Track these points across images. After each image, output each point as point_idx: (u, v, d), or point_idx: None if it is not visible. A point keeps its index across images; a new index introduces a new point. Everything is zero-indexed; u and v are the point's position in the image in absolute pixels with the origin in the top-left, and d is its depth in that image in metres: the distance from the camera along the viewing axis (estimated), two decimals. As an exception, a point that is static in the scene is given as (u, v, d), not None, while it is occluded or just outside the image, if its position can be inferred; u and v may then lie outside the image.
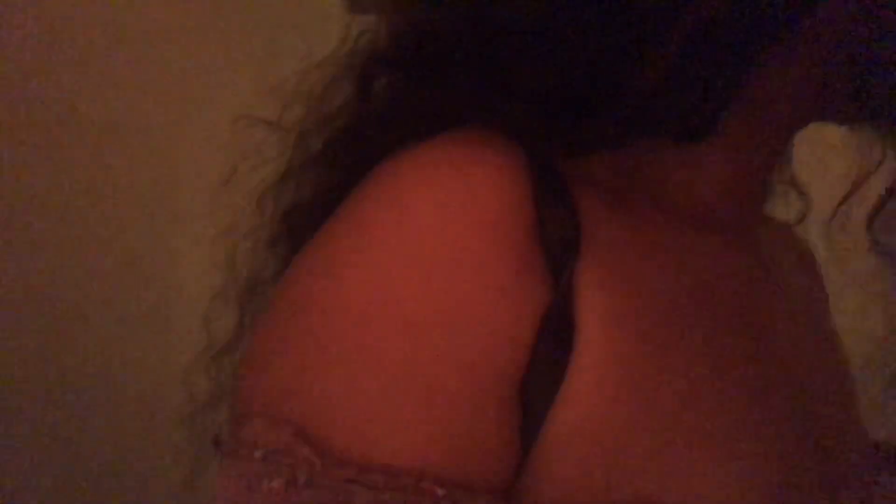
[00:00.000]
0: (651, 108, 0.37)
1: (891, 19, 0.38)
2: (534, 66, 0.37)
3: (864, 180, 0.47)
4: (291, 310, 0.34)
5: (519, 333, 0.33)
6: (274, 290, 0.37)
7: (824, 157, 0.50)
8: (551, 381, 0.33)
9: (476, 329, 0.32)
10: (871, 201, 0.44)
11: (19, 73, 0.92)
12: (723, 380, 0.37)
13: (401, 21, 0.42)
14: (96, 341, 0.97)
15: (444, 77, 0.39)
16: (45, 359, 0.95)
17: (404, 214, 0.33)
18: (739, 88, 0.38)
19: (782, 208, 0.52)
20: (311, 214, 0.41)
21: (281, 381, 0.33)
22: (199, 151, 0.91)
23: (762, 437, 0.37)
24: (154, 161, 0.97)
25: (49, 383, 0.95)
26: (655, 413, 0.34)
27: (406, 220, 0.33)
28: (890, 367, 0.47)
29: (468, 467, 0.32)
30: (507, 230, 0.33)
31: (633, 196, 0.39)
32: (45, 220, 0.95)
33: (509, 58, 0.37)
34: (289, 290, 0.35)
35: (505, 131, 0.36)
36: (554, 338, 0.33)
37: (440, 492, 0.30)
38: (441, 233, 0.33)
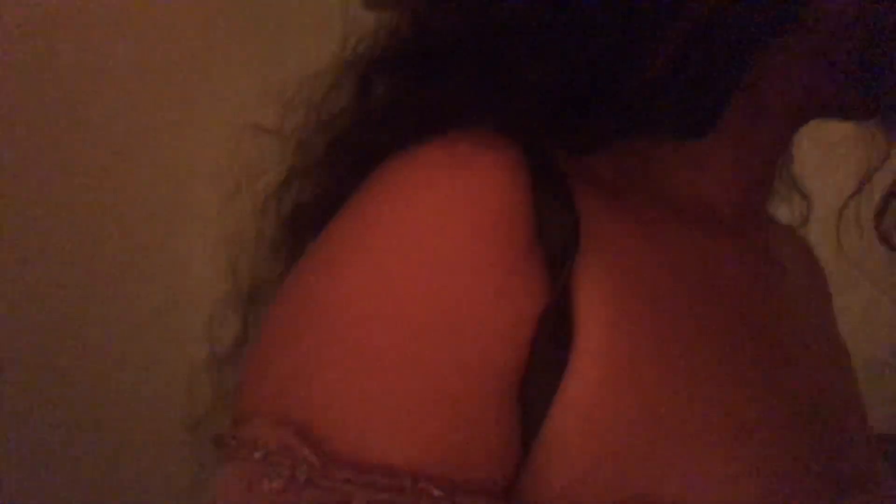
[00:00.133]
0: (651, 105, 0.37)
1: (891, 13, 0.38)
2: (534, 64, 0.37)
3: (870, 177, 0.47)
4: (293, 310, 0.35)
5: (518, 333, 0.33)
6: (276, 293, 0.37)
7: (828, 155, 0.50)
8: (551, 380, 0.33)
9: (475, 329, 0.32)
10: (878, 198, 0.44)
11: (29, 78, 0.93)
12: (725, 378, 0.37)
13: (401, 22, 0.42)
14: (100, 344, 0.97)
15: (444, 78, 0.39)
16: (49, 360, 0.96)
17: (404, 215, 0.33)
18: (740, 84, 0.38)
19: (785, 210, 0.52)
20: (314, 218, 0.41)
21: (281, 381, 0.33)
22: (205, 155, 0.92)
23: (764, 435, 0.37)
24: (159, 165, 0.98)
25: (53, 385, 0.96)
26: (656, 412, 0.34)
27: (406, 221, 0.33)
28: None
29: (467, 468, 0.32)
30: (507, 230, 0.33)
31: (635, 195, 0.39)
32: (50, 225, 0.95)
33: (509, 57, 0.37)
34: (291, 291, 0.36)
35: (505, 132, 0.36)
36: (553, 337, 0.33)
37: (438, 493, 0.30)
38: (440, 233, 0.33)
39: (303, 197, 0.45)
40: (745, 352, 0.39)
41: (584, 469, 0.33)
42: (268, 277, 0.45)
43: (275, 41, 0.93)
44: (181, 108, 0.97)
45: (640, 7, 0.36)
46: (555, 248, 0.34)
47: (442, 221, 0.33)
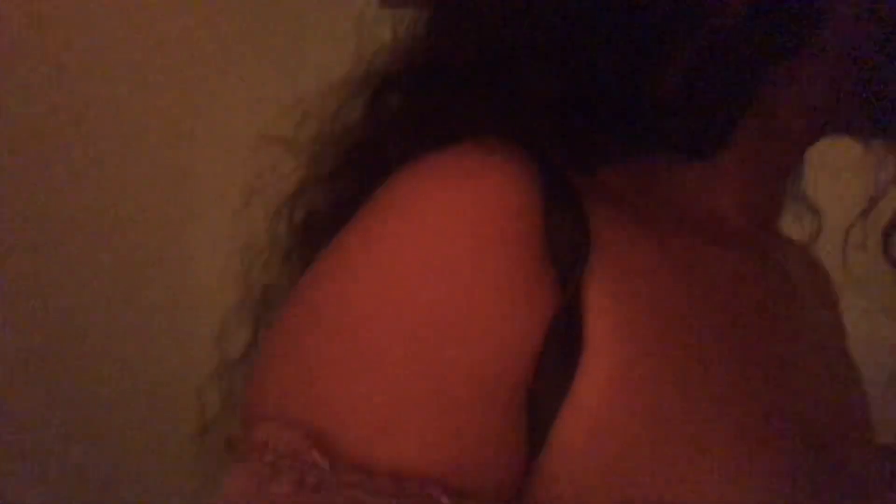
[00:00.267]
0: (661, 123, 0.38)
1: None
2: (546, 80, 0.37)
3: (881, 197, 0.47)
4: (303, 315, 0.35)
5: (527, 340, 0.33)
6: (287, 299, 0.37)
7: (838, 174, 0.50)
8: (559, 387, 0.33)
9: (484, 336, 0.32)
10: (888, 218, 0.44)
11: (48, 82, 0.94)
12: (733, 386, 0.37)
13: (415, 37, 0.43)
14: (109, 348, 0.97)
15: (456, 91, 0.39)
16: (58, 364, 0.96)
17: (414, 221, 0.34)
18: (750, 105, 0.38)
19: (796, 227, 0.52)
20: (325, 226, 0.41)
21: (292, 385, 0.33)
22: (219, 163, 0.93)
23: (771, 443, 0.37)
24: (171, 172, 0.98)
25: (60, 389, 0.96)
26: (666, 417, 0.34)
27: (415, 228, 0.33)
28: None
29: (475, 474, 0.32)
30: (516, 237, 0.33)
31: (646, 207, 0.40)
32: (61, 230, 0.96)
33: (522, 72, 0.38)
34: (301, 296, 0.36)
35: (517, 142, 0.36)
36: (563, 344, 0.33)
37: (445, 500, 0.31)
38: (449, 240, 0.33)
39: (315, 206, 0.45)
40: (754, 362, 0.39)
41: (594, 474, 0.33)
42: (279, 285, 0.46)
43: (292, 52, 0.94)
44: (196, 115, 0.98)
45: (653, 26, 0.36)
46: (565, 256, 0.34)
47: (451, 228, 0.33)
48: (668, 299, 0.37)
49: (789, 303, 0.45)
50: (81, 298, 0.96)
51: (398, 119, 0.42)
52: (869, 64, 0.39)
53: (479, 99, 0.39)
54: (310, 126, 0.45)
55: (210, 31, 0.98)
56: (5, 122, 0.92)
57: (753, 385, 0.38)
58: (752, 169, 0.42)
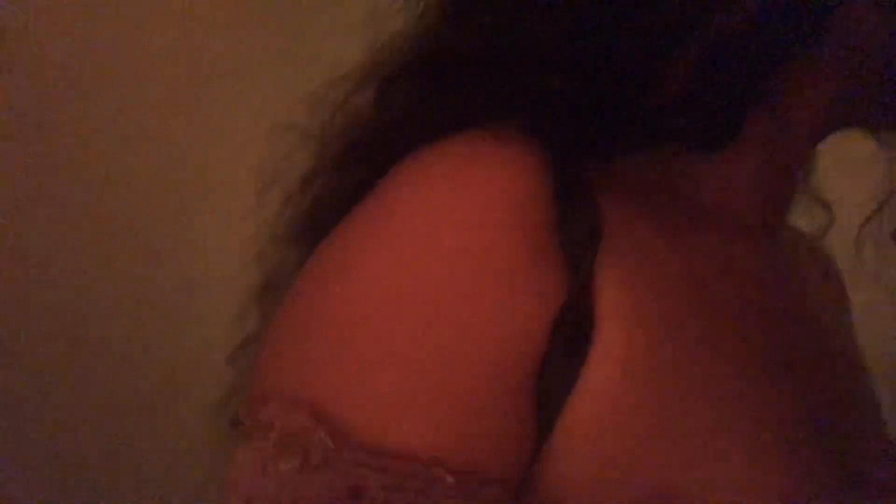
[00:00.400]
0: (671, 117, 0.38)
1: None
2: (556, 75, 0.37)
3: (892, 195, 0.47)
4: (310, 295, 0.35)
5: (535, 326, 0.33)
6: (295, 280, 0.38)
7: (851, 169, 0.50)
8: (569, 374, 0.33)
9: (492, 320, 0.32)
10: None
11: (60, 75, 0.95)
12: (742, 375, 0.37)
13: (425, 29, 0.43)
14: (118, 335, 0.98)
15: (466, 83, 0.39)
16: (67, 350, 0.97)
17: (422, 204, 0.34)
18: (761, 98, 0.38)
19: (806, 221, 0.52)
20: (333, 212, 0.42)
21: (297, 364, 0.33)
22: (233, 150, 0.93)
23: (781, 432, 0.37)
24: (182, 158, 0.99)
25: (69, 375, 0.97)
26: (675, 405, 0.34)
27: (423, 211, 0.34)
28: None
29: (481, 456, 0.32)
30: (526, 223, 0.33)
31: (657, 198, 0.40)
32: (72, 220, 0.97)
33: (533, 62, 0.38)
34: (308, 277, 0.36)
35: (526, 131, 0.36)
36: (572, 331, 0.33)
37: (451, 479, 0.31)
38: (458, 223, 0.33)
39: (324, 193, 0.46)
40: (763, 353, 0.39)
41: (602, 460, 0.33)
42: (287, 269, 0.46)
43: (306, 42, 0.94)
44: (211, 105, 0.98)
45: (665, 19, 0.36)
46: (574, 244, 0.34)
47: (460, 212, 0.33)
48: (678, 289, 0.37)
49: (797, 296, 0.45)
50: (87, 282, 0.97)
51: (407, 108, 0.42)
52: (881, 56, 0.39)
53: (488, 88, 0.39)
54: (320, 114, 0.46)
55: (224, 22, 0.98)
56: (24, 110, 0.93)
57: (762, 376, 0.38)
58: (762, 161, 0.42)
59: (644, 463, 0.33)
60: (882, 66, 0.39)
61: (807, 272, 0.47)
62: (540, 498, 0.34)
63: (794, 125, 0.41)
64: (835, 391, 0.43)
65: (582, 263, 0.34)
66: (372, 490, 0.30)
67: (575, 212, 0.35)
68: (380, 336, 0.32)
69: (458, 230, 0.33)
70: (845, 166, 0.51)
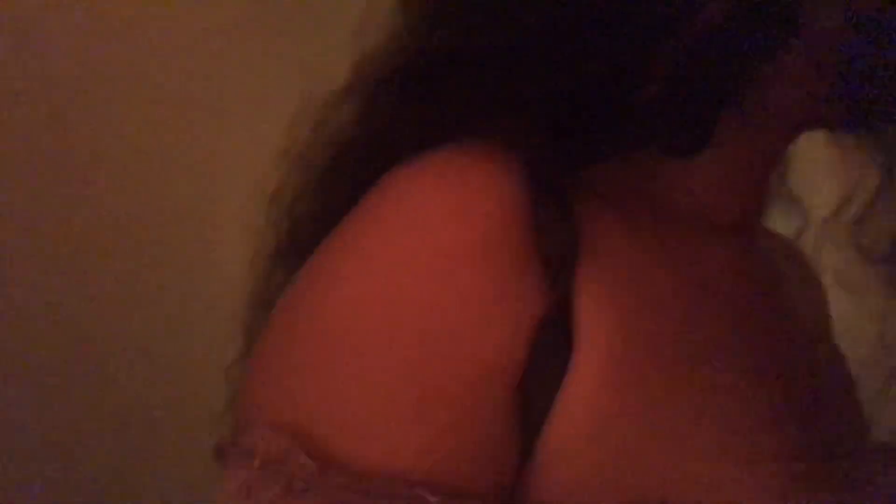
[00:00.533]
0: (645, 123, 0.38)
1: (880, 29, 0.39)
2: (531, 81, 0.37)
3: (854, 189, 0.47)
4: (290, 318, 0.35)
5: (516, 340, 0.33)
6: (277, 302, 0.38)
7: (819, 168, 0.51)
8: (551, 386, 0.34)
9: (472, 336, 0.33)
10: (860, 209, 0.45)
11: (65, 78, 0.94)
12: (724, 380, 0.38)
13: (404, 41, 0.43)
14: (119, 339, 0.98)
15: (443, 94, 0.40)
16: (69, 357, 0.97)
17: (401, 222, 0.34)
18: (732, 103, 0.38)
19: (782, 221, 0.53)
20: (317, 229, 0.42)
21: (279, 389, 0.33)
22: (234, 155, 0.93)
23: (765, 437, 0.37)
24: (187, 164, 0.99)
25: (71, 382, 0.97)
26: (657, 414, 0.35)
27: (403, 228, 0.34)
28: (883, 371, 0.47)
29: (464, 474, 0.32)
30: (504, 238, 0.34)
31: (633, 204, 0.40)
32: (74, 225, 0.96)
33: (507, 74, 0.38)
34: (289, 300, 0.36)
35: (504, 145, 0.37)
36: (554, 343, 0.34)
37: (434, 499, 0.31)
38: (437, 241, 0.33)
39: (305, 209, 0.46)
40: (745, 355, 0.40)
41: (586, 472, 0.33)
42: (273, 285, 0.46)
43: (308, 48, 0.93)
44: (211, 115, 0.98)
45: (636, 28, 0.36)
46: (554, 255, 0.35)
47: (439, 229, 0.33)
48: (658, 295, 0.37)
49: (777, 297, 0.46)
50: (93, 293, 0.97)
51: (387, 125, 0.43)
52: (848, 58, 0.39)
53: (464, 101, 0.39)
54: (302, 131, 0.46)
55: (226, 26, 0.98)
56: (24, 111, 0.93)
57: (746, 378, 0.39)
58: (735, 163, 0.42)
59: (632, 470, 0.34)
60: (845, 68, 0.40)
61: (785, 273, 0.48)
62: None
63: (763, 128, 0.42)
64: (815, 389, 0.44)
65: (561, 276, 0.34)
66: None
67: (553, 224, 0.35)
68: (360, 358, 0.32)
69: (436, 249, 0.33)
70: (814, 165, 0.51)
